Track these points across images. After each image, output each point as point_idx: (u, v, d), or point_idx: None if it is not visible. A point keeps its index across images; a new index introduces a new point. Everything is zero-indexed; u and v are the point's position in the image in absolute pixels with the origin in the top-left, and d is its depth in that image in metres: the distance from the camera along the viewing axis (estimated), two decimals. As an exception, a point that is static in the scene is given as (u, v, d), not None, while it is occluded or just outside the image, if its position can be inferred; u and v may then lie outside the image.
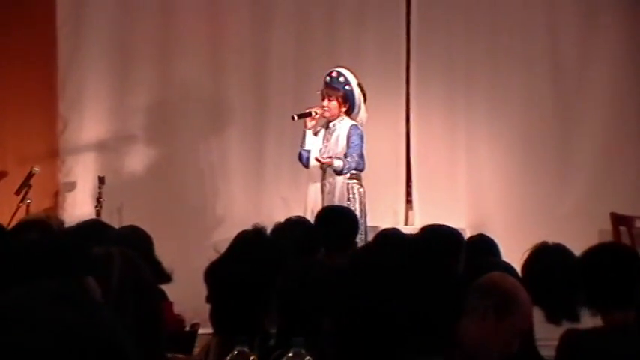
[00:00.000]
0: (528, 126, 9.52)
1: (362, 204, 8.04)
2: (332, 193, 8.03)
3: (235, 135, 9.57)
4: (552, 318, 4.26)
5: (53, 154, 9.54)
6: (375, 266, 2.21)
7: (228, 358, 2.99)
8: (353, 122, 8.10)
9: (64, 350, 1.46)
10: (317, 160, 8.01)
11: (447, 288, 2.13)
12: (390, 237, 5.65)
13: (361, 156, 8.04)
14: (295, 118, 8.10)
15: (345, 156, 8.00)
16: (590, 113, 9.53)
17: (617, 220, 9.12)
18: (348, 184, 8.03)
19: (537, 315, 4.10)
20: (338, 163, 7.98)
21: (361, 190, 8.07)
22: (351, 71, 8.18)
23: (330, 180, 8.06)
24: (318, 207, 7.65)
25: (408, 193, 9.51)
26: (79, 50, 9.54)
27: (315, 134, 8.16)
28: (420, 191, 9.45)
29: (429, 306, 2.08)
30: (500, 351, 3.24)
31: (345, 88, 8.09)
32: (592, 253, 3.85)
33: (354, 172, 8.01)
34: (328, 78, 8.15)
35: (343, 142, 8.05)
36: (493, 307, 3.25)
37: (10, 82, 9.56)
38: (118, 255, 2.93)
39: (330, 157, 7.98)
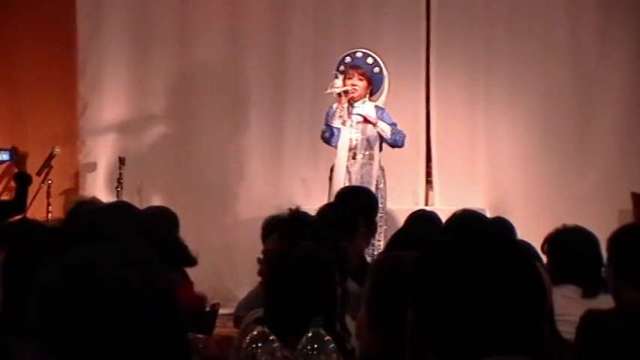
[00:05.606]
0: (548, 106, 9.47)
1: (385, 190, 8.03)
2: (359, 174, 7.94)
3: (254, 115, 9.56)
4: (588, 293, 4.38)
5: (73, 135, 9.56)
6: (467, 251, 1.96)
7: (303, 340, 2.97)
8: (375, 103, 8.06)
9: (124, 310, 1.55)
10: (364, 117, 7.90)
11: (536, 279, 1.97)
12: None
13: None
14: (342, 94, 7.97)
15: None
16: (610, 92, 9.47)
17: (638, 199, 9.06)
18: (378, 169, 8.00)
19: (567, 292, 4.30)
20: (384, 126, 7.94)
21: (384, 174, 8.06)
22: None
23: (357, 159, 7.98)
24: None
25: (428, 174, 9.49)
26: (99, 30, 9.54)
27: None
28: (440, 172, 9.43)
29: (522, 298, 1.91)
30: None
31: (373, 71, 8.05)
32: (626, 230, 3.89)
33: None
34: (349, 58, 8.08)
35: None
36: None
37: (30, 63, 9.58)
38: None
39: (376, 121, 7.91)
